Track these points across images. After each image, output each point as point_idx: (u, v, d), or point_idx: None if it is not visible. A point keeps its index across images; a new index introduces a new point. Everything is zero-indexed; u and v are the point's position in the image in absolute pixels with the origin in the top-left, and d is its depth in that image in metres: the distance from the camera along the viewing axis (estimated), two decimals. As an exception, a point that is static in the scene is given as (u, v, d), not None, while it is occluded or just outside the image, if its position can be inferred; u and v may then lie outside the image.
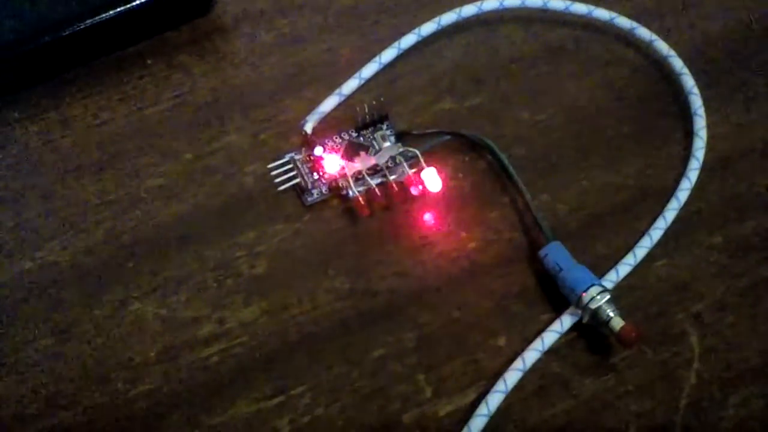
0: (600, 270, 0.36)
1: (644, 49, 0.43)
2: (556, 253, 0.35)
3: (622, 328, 0.32)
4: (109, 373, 0.34)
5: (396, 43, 0.42)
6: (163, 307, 0.36)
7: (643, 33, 0.43)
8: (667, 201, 0.38)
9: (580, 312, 0.34)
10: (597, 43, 0.44)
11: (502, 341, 0.35)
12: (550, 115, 0.41)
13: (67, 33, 0.41)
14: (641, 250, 0.36)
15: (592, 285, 0.34)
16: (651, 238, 0.37)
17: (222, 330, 0.35)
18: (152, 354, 0.35)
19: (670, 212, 0.37)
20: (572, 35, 0.44)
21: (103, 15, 0.42)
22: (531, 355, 0.33)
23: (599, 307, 0.33)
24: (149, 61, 0.43)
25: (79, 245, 0.37)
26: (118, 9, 0.42)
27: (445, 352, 0.35)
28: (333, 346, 0.35)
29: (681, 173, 0.39)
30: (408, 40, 0.42)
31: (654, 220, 0.37)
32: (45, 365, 0.35)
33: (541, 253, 0.36)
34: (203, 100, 0.42)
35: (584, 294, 0.33)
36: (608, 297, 0.33)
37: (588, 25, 0.44)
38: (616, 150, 0.40)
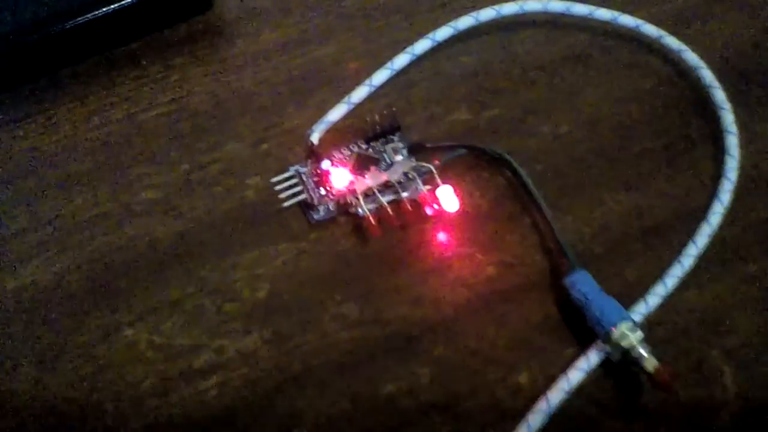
0: (628, 299, 0.33)
1: (672, 60, 0.40)
2: (582, 283, 0.33)
3: (656, 370, 0.30)
4: (98, 406, 0.32)
5: (409, 49, 0.39)
6: (157, 333, 0.33)
7: (671, 42, 0.40)
8: (699, 224, 0.35)
9: (607, 347, 0.31)
10: (622, 51, 0.41)
11: (523, 378, 0.32)
12: (572, 129, 0.39)
13: (55, 30, 0.39)
14: (672, 279, 0.34)
15: (623, 320, 0.31)
16: (682, 266, 0.34)
17: (220, 360, 0.33)
18: (145, 385, 0.32)
19: (702, 237, 0.35)
20: (596, 42, 0.41)
21: (95, 11, 0.39)
22: (556, 395, 0.31)
23: (631, 345, 0.31)
24: (144, 62, 0.41)
25: (67, 263, 0.35)
26: (111, 5, 0.39)
27: (462, 388, 0.32)
28: (340, 380, 0.32)
29: (712, 194, 0.36)
30: (422, 45, 0.39)
31: (685, 245, 0.35)
32: (28, 396, 0.32)
33: (567, 281, 0.33)
34: (201, 105, 0.40)
35: (614, 329, 0.31)
36: (640, 334, 0.31)
37: (613, 32, 0.41)
38: (643, 168, 0.38)
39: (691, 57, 0.40)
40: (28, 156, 0.38)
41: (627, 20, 0.41)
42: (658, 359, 0.30)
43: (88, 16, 0.39)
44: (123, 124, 0.39)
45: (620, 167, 0.38)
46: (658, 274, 0.34)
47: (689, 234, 0.35)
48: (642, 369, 0.30)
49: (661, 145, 0.38)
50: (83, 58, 0.41)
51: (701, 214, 0.36)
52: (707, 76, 0.39)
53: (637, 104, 0.39)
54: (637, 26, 0.40)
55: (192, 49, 0.41)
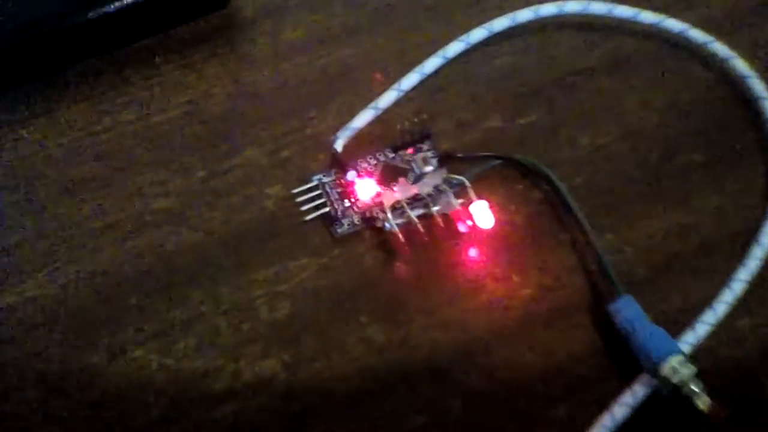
0: (674, 327, 0.31)
1: (720, 67, 0.38)
2: (628, 310, 0.31)
3: (710, 409, 0.28)
4: (104, 433, 0.30)
5: (441, 51, 0.37)
6: (169, 355, 0.31)
7: (719, 49, 0.38)
8: (750, 246, 0.33)
9: (655, 381, 0.29)
10: (667, 57, 0.39)
11: (562, 411, 0.30)
12: (613, 139, 0.36)
13: (65, 25, 0.37)
14: (722, 305, 0.32)
15: (674, 353, 0.29)
16: (733, 291, 0.32)
17: (237, 386, 0.31)
18: (155, 412, 0.30)
19: (754, 260, 0.33)
20: (639, 47, 0.39)
21: (107, 6, 0.37)
22: (600, 433, 0.29)
23: (682, 382, 0.28)
24: (157, 61, 0.39)
25: (72, 277, 0.33)
26: (124, 0, 0.37)
27: (497, 423, 0.30)
28: (364, 409, 0.30)
29: (764, 213, 0.34)
30: (455, 48, 0.37)
31: (735, 268, 0.32)
32: (30, 421, 0.30)
33: (611, 308, 0.31)
34: (218, 107, 0.37)
35: (664, 364, 0.29)
36: (692, 369, 0.28)
37: (657, 36, 0.39)
38: (688, 183, 0.35)
39: (741, 65, 0.37)
40: (32, 160, 0.36)
41: (673, 24, 0.38)
42: (708, 394, 0.28)
43: (100, 11, 0.37)
44: (135, 126, 0.37)
45: (664, 182, 0.35)
46: (706, 300, 0.32)
47: (740, 256, 0.33)
48: (694, 406, 0.28)
49: (707, 159, 0.36)
50: (93, 56, 0.39)
51: (752, 234, 0.33)
52: (757, 86, 0.37)
53: (682, 114, 0.37)
54: (684, 31, 0.38)
55: (208, 47, 0.39)
